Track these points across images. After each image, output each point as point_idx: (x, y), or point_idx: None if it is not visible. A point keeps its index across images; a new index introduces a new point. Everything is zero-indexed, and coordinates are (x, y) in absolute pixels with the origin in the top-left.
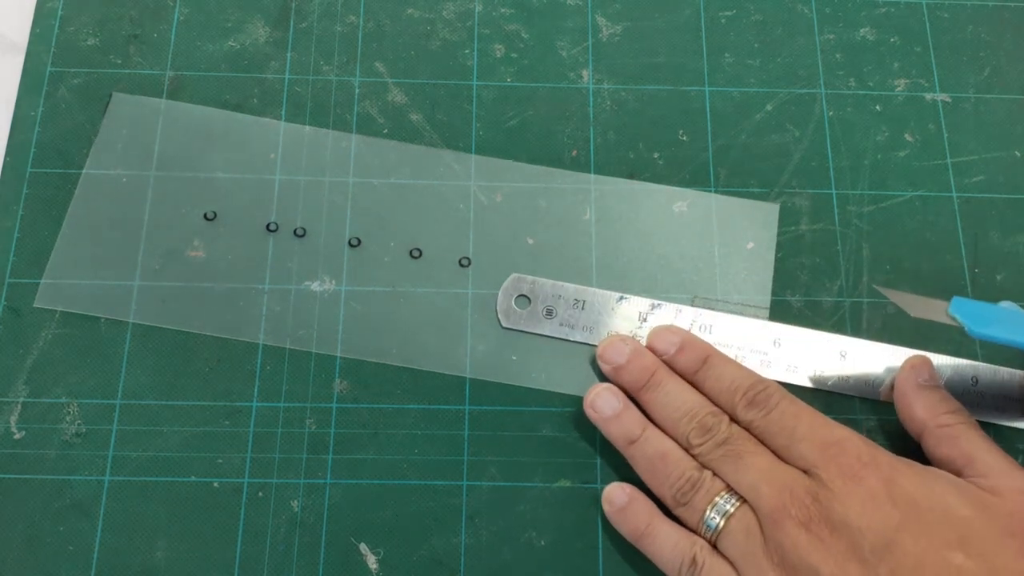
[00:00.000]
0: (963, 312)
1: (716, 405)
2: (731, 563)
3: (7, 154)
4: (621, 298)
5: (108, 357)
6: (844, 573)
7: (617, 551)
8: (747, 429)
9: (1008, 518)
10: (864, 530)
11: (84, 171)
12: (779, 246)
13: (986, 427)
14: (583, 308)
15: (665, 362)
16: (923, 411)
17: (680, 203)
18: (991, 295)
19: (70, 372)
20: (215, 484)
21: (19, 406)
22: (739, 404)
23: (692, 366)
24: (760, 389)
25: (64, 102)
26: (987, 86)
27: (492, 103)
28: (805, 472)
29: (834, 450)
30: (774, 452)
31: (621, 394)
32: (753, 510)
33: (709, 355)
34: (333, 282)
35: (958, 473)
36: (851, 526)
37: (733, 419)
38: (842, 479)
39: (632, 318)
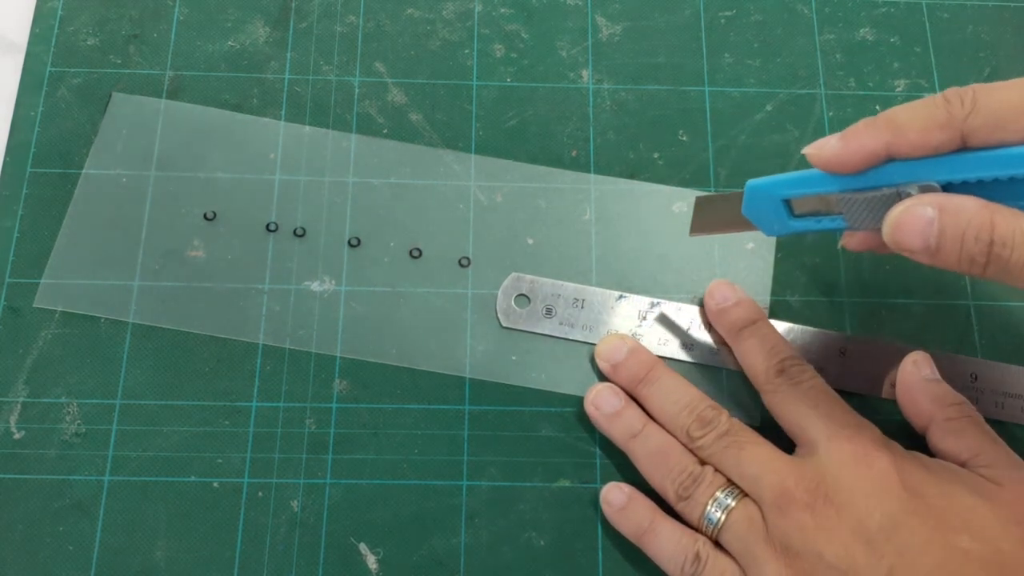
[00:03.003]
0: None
1: None
2: (733, 558)
3: (7, 154)
4: (620, 296)
5: (108, 357)
6: (849, 555)
7: (617, 551)
8: None
9: (1011, 508)
10: (872, 511)
11: (84, 171)
12: (779, 246)
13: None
14: (582, 307)
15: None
16: (929, 405)
17: (680, 203)
18: (990, 292)
19: (70, 372)
20: (215, 484)
21: (19, 406)
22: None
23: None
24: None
25: (64, 102)
26: None
27: (492, 103)
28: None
29: (846, 433)
30: None
31: (622, 392)
32: (755, 502)
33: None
34: (333, 282)
35: (963, 465)
36: (858, 506)
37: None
38: (853, 461)
39: (632, 316)
